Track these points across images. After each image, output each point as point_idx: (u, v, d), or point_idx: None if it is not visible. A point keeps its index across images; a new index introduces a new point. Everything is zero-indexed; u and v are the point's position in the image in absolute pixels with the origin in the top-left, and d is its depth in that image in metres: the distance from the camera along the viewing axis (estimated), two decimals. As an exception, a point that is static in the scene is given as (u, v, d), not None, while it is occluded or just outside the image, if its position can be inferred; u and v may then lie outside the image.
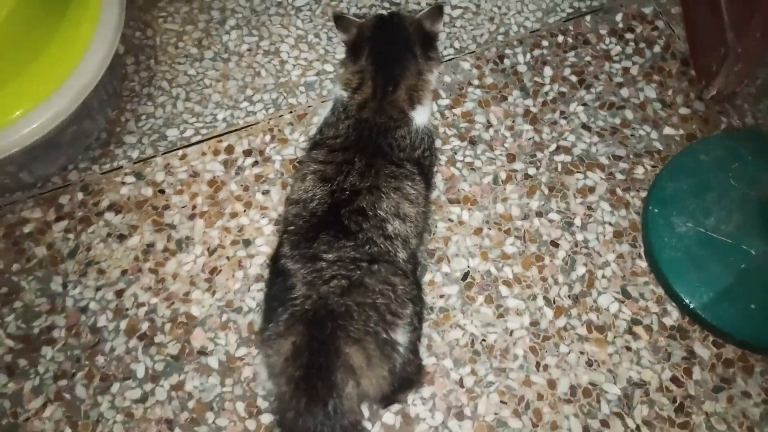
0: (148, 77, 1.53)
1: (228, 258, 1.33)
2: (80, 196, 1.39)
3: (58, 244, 1.35)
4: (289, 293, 1.07)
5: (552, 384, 1.21)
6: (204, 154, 1.43)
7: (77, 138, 1.34)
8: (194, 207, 1.38)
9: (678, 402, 1.19)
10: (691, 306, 1.24)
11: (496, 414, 1.19)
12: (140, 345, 1.26)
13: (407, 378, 1.13)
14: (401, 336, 1.09)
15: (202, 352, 1.25)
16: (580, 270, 1.31)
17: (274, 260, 1.16)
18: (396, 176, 1.18)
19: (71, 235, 1.35)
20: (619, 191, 1.38)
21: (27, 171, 1.31)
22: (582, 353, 1.24)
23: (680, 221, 1.29)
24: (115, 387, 1.22)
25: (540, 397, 1.21)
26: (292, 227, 1.15)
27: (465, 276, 1.30)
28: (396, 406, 1.19)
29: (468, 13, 1.61)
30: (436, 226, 1.35)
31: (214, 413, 1.20)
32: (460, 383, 1.22)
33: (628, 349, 1.24)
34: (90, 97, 1.28)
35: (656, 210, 1.31)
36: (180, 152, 1.44)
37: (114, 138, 1.46)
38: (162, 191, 1.39)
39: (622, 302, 1.28)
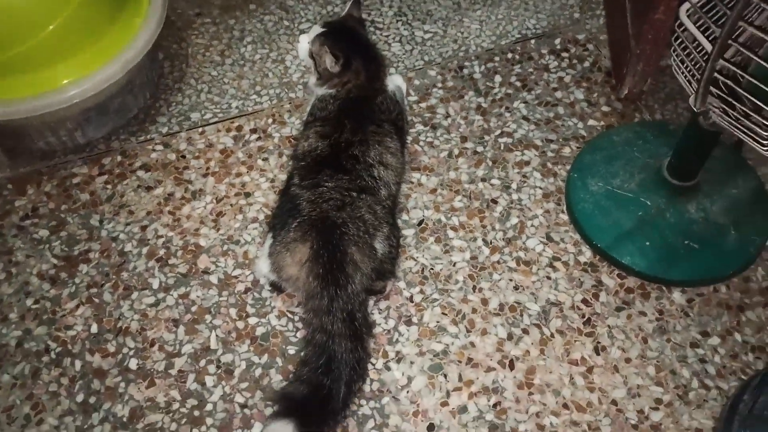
0: (180, 76, 1.93)
1: (231, 205, 1.66)
2: (119, 158, 1.75)
3: (98, 192, 1.70)
4: (296, 209, 1.41)
5: (485, 302, 1.50)
6: (219, 131, 1.80)
7: (121, 109, 1.72)
8: (208, 168, 1.73)
9: (586, 317, 1.47)
10: (600, 245, 1.53)
11: (438, 322, 1.47)
12: (157, 265, 1.57)
13: (383, 273, 1.45)
14: (379, 244, 1.42)
15: (206, 272, 1.56)
16: (514, 221, 1.62)
17: (285, 189, 1.50)
18: (378, 133, 1.53)
19: (109, 186, 1.71)
20: (549, 164, 1.71)
21: (81, 131, 1.68)
22: (511, 280, 1.53)
23: (593, 182, 1.61)
24: (135, 294, 1.53)
25: (474, 311, 1.49)
26: (302, 162, 1.49)
27: (420, 222, 1.62)
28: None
29: (437, 36, 2.01)
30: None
31: (211, 315, 1.50)
32: (410, 299, 1.51)
33: (548, 278, 1.53)
34: (134, 75, 1.66)
35: (576, 175, 1.64)
36: (200, 129, 1.80)
37: (149, 118, 1.83)
38: (183, 156, 1.75)
39: (546, 244, 1.58)
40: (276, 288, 1.51)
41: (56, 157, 1.76)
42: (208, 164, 1.74)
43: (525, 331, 1.46)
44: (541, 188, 1.67)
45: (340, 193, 1.41)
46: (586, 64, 1.91)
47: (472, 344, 1.44)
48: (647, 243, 1.51)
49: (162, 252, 1.60)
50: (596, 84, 1.86)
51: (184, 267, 1.57)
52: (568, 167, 1.69)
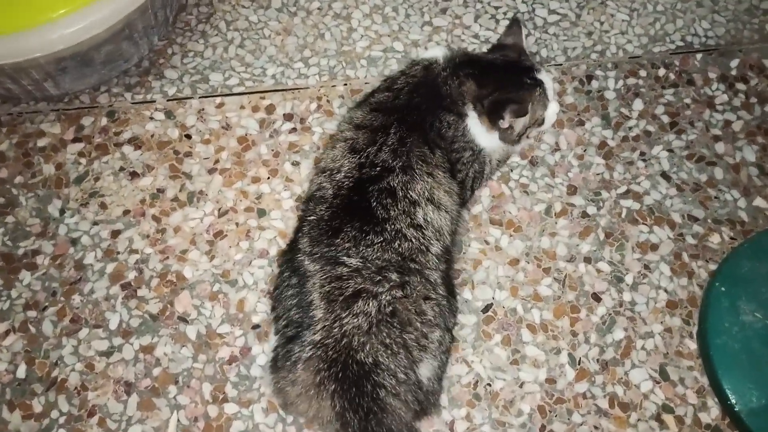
0: (208, 14, 1.42)
1: (237, 224, 1.21)
2: (104, 121, 1.29)
3: (67, 166, 1.25)
4: (304, 314, 0.97)
5: (554, 454, 1.06)
6: (242, 107, 1.31)
7: (113, 59, 1.24)
8: (217, 161, 1.26)
9: None
10: (736, 407, 1.05)
11: (482, 471, 1.05)
12: (121, 294, 1.15)
13: (425, 409, 1.02)
14: (426, 370, 0.99)
15: (183, 319, 1.14)
16: (618, 334, 1.14)
17: (291, 249, 1.05)
18: (427, 161, 1.07)
19: (83, 160, 1.26)
20: (685, 256, 1.19)
21: (53, 81, 1.21)
22: (596, 428, 1.07)
23: (749, 308, 1.11)
24: (84, 332, 1.13)
25: (537, 464, 1.05)
26: (313, 217, 1.03)
27: (487, 308, 1.15)
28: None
29: (565, 21, 1.43)
30: (468, 245, 1.20)
31: (178, 388, 1.09)
32: (451, 426, 1.07)
33: (651, 437, 1.07)
34: (134, 18, 1.17)
35: (723, 288, 1.13)
36: (218, 99, 1.32)
37: (155, 69, 1.35)
38: (188, 136, 1.28)
39: (658, 383, 1.10)
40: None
41: (22, 102, 1.31)
42: (219, 155, 1.27)
43: None
44: (666, 291, 1.17)
45: (371, 280, 0.96)
46: (768, 107, 1.34)
47: None
48: (809, 427, 1.03)
49: (132, 276, 1.17)
50: (779, 143, 1.30)
51: (156, 305, 1.15)
52: (711, 267, 1.18)
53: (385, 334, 0.94)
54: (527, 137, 1.20)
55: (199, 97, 1.33)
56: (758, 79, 1.36)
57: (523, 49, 1.19)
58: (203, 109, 1.31)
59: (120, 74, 1.33)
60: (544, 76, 1.15)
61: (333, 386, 0.92)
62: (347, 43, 1.39)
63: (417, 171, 1.05)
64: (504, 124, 1.12)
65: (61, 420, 1.07)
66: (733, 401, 1.06)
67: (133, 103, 1.32)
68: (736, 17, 1.44)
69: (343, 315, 0.94)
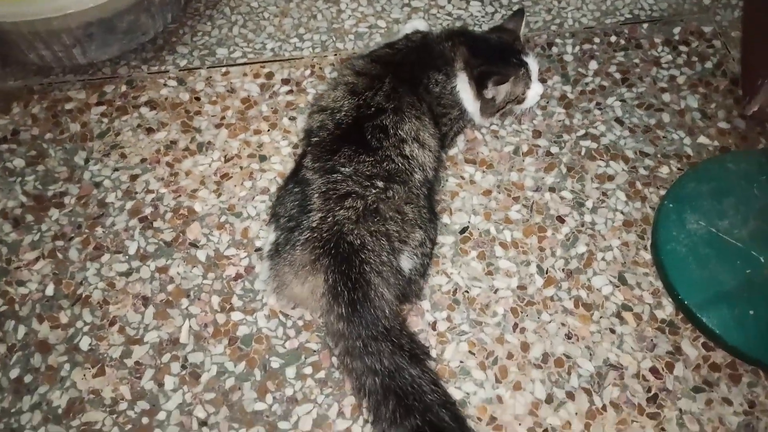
0: (214, 2, 1.62)
1: (241, 168, 1.37)
2: (123, 88, 1.47)
3: (91, 125, 1.42)
4: (304, 208, 1.12)
5: (525, 347, 1.18)
6: (245, 75, 1.49)
7: (133, 29, 1.43)
8: (223, 118, 1.43)
9: (652, 392, 1.13)
10: (687, 302, 1.18)
11: (461, 362, 1.16)
12: (139, 225, 1.30)
13: (407, 296, 1.17)
14: (406, 261, 1.14)
15: (194, 245, 1.28)
16: (581, 248, 1.28)
17: (294, 171, 1.22)
18: (415, 107, 1.23)
19: (105, 119, 1.43)
20: (638, 185, 1.35)
21: (80, 48, 1.39)
22: (563, 325, 1.20)
23: (693, 218, 1.25)
24: (106, 257, 1.27)
25: (510, 356, 1.17)
26: (316, 138, 1.19)
27: (463, 230, 1.30)
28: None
29: (527, 1, 1.64)
30: (446, 180, 1.35)
31: (189, 300, 1.22)
32: (433, 326, 1.20)
33: (612, 331, 1.19)
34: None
35: (671, 205, 1.28)
36: (224, 69, 1.50)
37: (168, 46, 1.54)
38: (198, 98, 1.46)
39: (617, 287, 1.24)
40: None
41: (53, 74, 1.49)
42: (225, 113, 1.44)
43: (570, 396, 1.13)
44: (623, 213, 1.32)
45: (360, 185, 1.11)
46: (708, 65, 1.52)
47: (500, 399, 1.13)
48: (751, 312, 1.16)
49: (149, 211, 1.32)
50: (716, 92, 1.47)
51: (170, 234, 1.29)
52: (662, 192, 1.33)
53: (370, 224, 1.09)
54: (506, 113, 1.38)
55: (207, 68, 1.51)
56: (698, 42, 1.55)
57: (519, 35, 1.38)
58: (210, 77, 1.49)
59: (138, 48, 1.51)
60: (530, 60, 1.33)
61: (327, 261, 1.06)
62: (336, 22, 1.59)
63: (406, 114, 1.21)
64: (488, 93, 1.30)
65: (86, 329, 1.20)
66: (683, 297, 1.19)
67: (149, 73, 1.50)
68: (677, -7, 1.65)
69: (336, 208, 1.09)
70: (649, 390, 1.14)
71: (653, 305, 1.22)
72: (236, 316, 1.21)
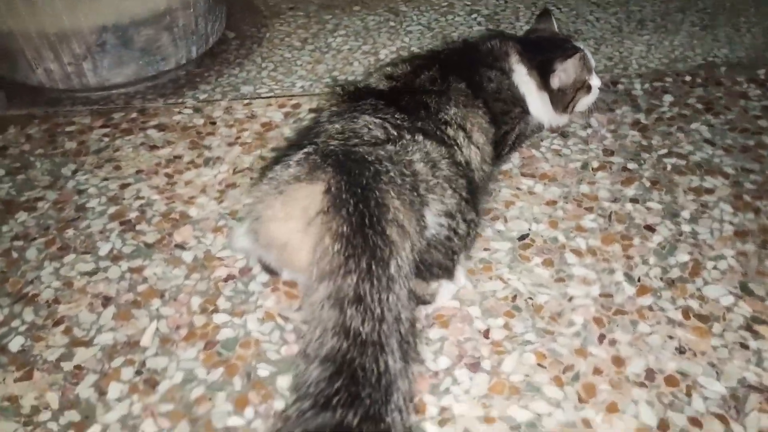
0: (245, 54, 1.52)
1: (251, 178, 1.14)
2: (134, 115, 1.31)
3: (89, 142, 1.24)
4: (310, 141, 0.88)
5: (618, 361, 0.83)
6: (269, 105, 1.33)
7: (151, 48, 1.30)
8: (238, 138, 1.24)
9: (820, 421, 0.75)
10: None
11: (527, 376, 0.81)
12: (118, 228, 1.05)
13: (430, 266, 0.86)
14: (432, 216, 0.84)
15: (181, 246, 1.02)
16: (683, 257, 0.96)
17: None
18: (467, 96, 1.03)
19: (106, 138, 1.25)
20: (747, 197, 1.06)
21: (92, 62, 1.26)
22: (671, 337, 0.85)
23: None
24: (70, 257, 1.01)
25: (597, 371, 0.82)
26: (339, 94, 1.00)
27: (523, 237, 1.01)
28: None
29: (590, 47, 1.48)
30: (499, 191, 1.09)
31: (163, 301, 0.93)
32: (485, 334, 0.86)
33: (744, 346, 0.84)
34: (176, 8, 1.26)
35: (796, 204, 0.98)
36: (245, 101, 1.34)
37: (189, 84, 1.41)
38: (213, 123, 1.28)
39: (740, 297, 0.90)
40: (269, 270, 0.94)
41: (62, 105, 1.35)
42: (241, 134, 1.25)
43: (695, 422, 0.76)
44: (731, 224, 1.02)
45: (384, 130, 0.87)
46: (806, 97, 1.30)
47: (587, 423, 0.76)
48: None
49: (133, 215, 1.08)
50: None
51: (154, 236, 1.04)
52: (779, 205, 1.04)
53: (392, 149, 0.84)
54: (576, 106, 1.17)
55: (229, 99, 1.35)
56: (788, 80, 1.35)
57: (555, 31, 1.23)
58: (231, 107, 1.33)
59: (156, 84, 1.38)
60: (582, 46, 1.17)
61: (330, 169, 0.78)
62: (374, 68, 1.45)
63: (453, 99, 1.01)
64: (554, 80, 1.12)
65: (22, 329, 0.90)
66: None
67: (164, 105, 1.35)
68: (754, 46, 1.47)
69: (352, 136, 0.85)
70: (813, 418, 0.75)
71: (795, 318, 0.87)
72: (220, 318, 0.90)
